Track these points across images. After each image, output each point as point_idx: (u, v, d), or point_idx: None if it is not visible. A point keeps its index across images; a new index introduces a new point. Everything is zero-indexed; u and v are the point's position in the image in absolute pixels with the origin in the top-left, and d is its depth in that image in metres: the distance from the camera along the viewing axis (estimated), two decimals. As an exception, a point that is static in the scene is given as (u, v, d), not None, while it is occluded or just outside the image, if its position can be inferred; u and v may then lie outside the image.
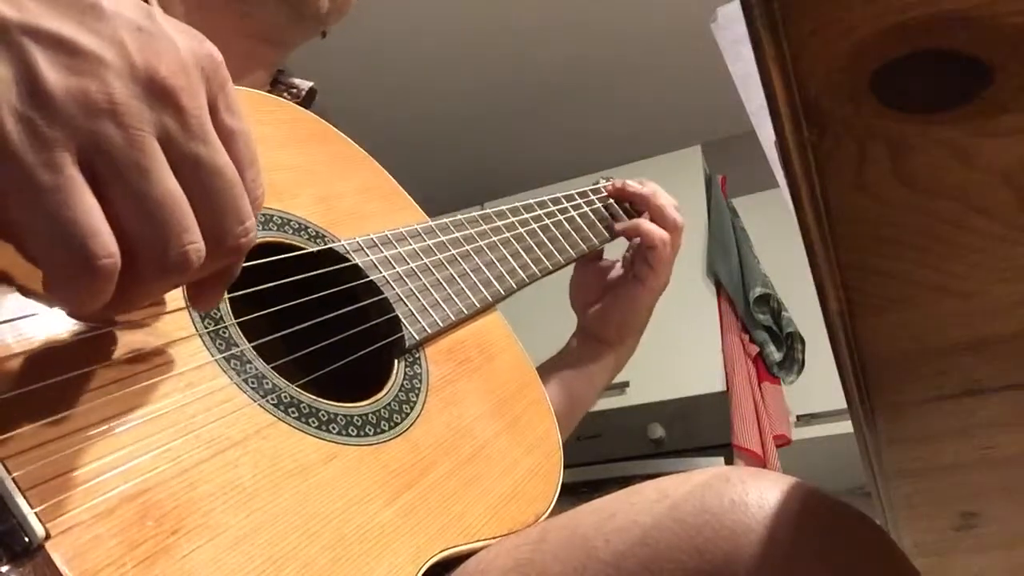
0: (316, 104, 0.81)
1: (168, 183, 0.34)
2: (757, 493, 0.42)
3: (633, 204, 0.93)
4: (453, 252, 0.69)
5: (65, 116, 0.31)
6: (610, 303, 0.89)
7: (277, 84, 0.81)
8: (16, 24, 0.32)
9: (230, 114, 0.37)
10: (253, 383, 0.47)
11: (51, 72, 0.32)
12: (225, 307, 0.49)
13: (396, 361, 0.58)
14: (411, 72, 2.75)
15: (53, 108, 0.31)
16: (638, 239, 0.89)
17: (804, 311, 2.26)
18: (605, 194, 0.93)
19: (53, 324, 0.39)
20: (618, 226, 0.89)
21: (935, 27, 0.25)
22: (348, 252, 0.60)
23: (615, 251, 0.92)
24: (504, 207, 0.80)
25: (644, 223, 0.88)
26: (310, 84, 0.82)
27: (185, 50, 0.35)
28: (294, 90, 0.81)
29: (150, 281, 0.35)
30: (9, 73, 0.31)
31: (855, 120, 0.29)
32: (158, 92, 0.34)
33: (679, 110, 2.95)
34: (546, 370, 0.85)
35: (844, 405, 0.45)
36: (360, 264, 0.60)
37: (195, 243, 0.34)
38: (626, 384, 2.34)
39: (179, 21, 0.37)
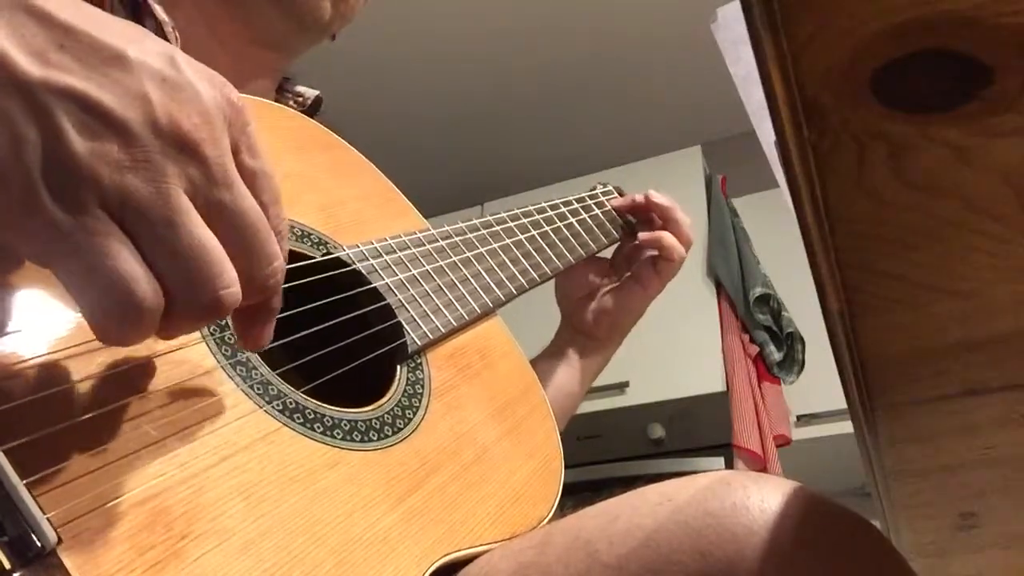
0: (322, 112, 0.82)
1: (197, 232, 0.34)
2: (759, 497, 0.42)
3: (644, 213, 0.93)
4: (454, 258, 0.69)
5: (92, 178, 0.32)
6: (606, 303, 0.90)
7: (283, 92, 0.81)
8: (39, 82, 0.32)
9: (251, 156, 0.38)
10: (259, 389, 0.47)
11: (76, 136, 0.32)
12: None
13: (399, 367, 0.58)
14: (410, 72, 2.75)
15: (79, 171, 0.32)
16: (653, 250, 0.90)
17: (804, 311, 2.26)
18: (603, 199, 0.94)
19: (59, 333, 0.39)
20: (641, 236, 0.90)
21: (935, 27, 0.25)
22: (351, 259, 0.60)
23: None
24: (504, 213, 0.80)
25: (668, 237, 0.89)
26: (316, 92, 0.82)
27: (208, 98, 0.36)
28: (300, 98, 0.82)
29: (186, 323, 0.36)
30: (37, 137, 0.32)
31: (855, 120, 0.29)
32: (182, 144, 0.34)
33: (679, 110, 2.95)
34: (536, 366, 0.86)
35: (844, 405, 0.45)
36: (362, 270, 0.60)
37: (228, 287, 0.35)
38: (626, 384, 2.34)
39: (201, 64, 0.37)
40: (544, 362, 0.88)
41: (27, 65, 0.32)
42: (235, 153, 0.37)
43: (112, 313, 0.33)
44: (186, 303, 0.35)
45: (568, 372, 0.88)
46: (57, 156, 0.32)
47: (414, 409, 0.56)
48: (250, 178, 0.38)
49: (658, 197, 0.92)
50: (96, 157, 0.32)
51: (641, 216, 0.94)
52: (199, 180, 0.35)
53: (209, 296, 0.35)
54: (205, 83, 0.36)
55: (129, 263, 0.33)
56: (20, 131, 0.31)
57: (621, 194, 0.98)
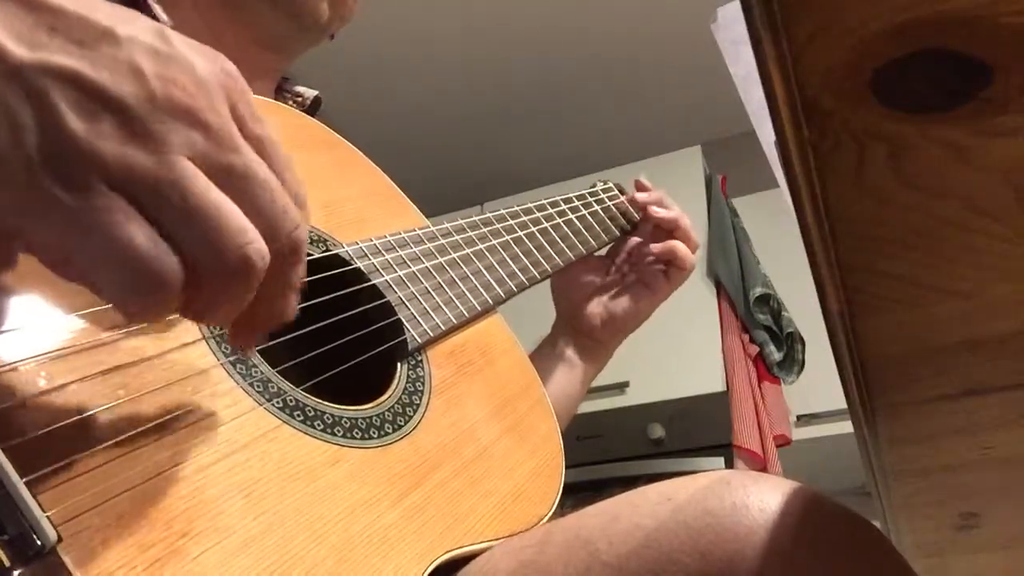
0: (321, 112, 0.82)
1: (209, 194, 0.34)
2: (758, 497, 0.42)
3: (657, 225, 0.93)
4: (454, 255, 0.69)
5: (93, 156, 0.32)
6: (612, 307, 0.90)
7: (282, 92, 0.82)
8: (30, 64, 0.31)
9: (256, 122, 0.37)
10: (259, 387, 0.47)
11: (72, 116, 0.32)
12: None
13: (399, 364, 0.58)
14: (410, 72, 2.75)
15: (80, 152, 0.32)
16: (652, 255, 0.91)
17: (804, 311, 2.26)
18: (603, 197, 0.94)
19: (59, 332, 0.39)
20: (654, 247, 0.90)
21: (935, 27, 0.25)
22: (351, 256, 0.60)
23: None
24: (504, 211, 0.80)
25: (681, 247, 0.90)
26: (315, 92, 0.82)
27: (202, 69, 0.35)
28: (299, 98, 0.82)
29: (219, 290, 0.35)
30: (34, 121, 0.31)
31: (855, 120, 0.29)
32: (180, 114, 0.34)
33: (679, 110, 2.95)
34: (534, 366, 0.86)
35: (844, 405, 0.45)
36: (363, 268, 0.60)
37: (252, 242, 0.34)
38: (626, 384, 2.34)
39: (191, 39, 0.37)
40: (542, 363, 0.88)
41: (17, 49, 0.31)
42: (239, 121, 0.36)
43: (133, 286, 0.32)
44: (212, 268, 0.34)
45: (569, 374, 0.88)
46: (56, 139, 0.31)
47: (414, 406, 0.56)
48: (258, 144, 0.37)
49: (660, 212, 0.92)
50: (95, 135, 0.32)
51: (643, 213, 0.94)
52: (204, 147, 0.34)
53: (235, 254, 0.34)
54: (197, 54, 0.36)
55: (143, 233, 0.32)
56: (16, 116, 0.31)
57: (622, 191, 0.98)
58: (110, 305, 0.34)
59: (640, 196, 0.94)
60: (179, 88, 0.34)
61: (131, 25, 0.34)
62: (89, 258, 0.32)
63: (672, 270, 0.90)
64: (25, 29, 0.32)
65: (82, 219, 0.32)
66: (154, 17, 0.65)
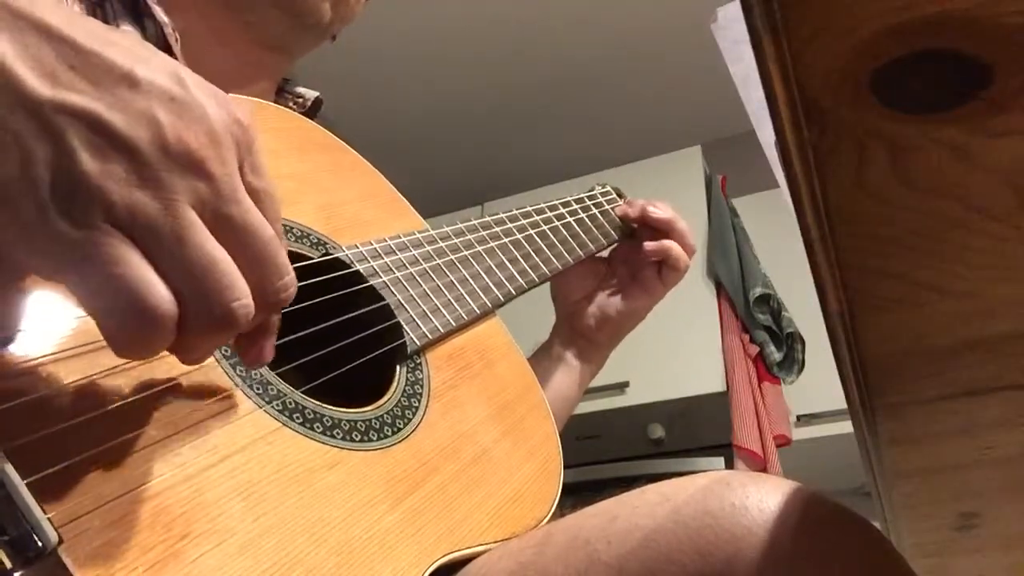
0: (322, 114, 0.82)
1: (206, 246, 0.35)
2: (757, 497, 0.42)
3: (653, 227, 0.92)
4: (453, 258, 0.69)
5: (101, 195, 0.32)
6: (608, 308, 0.90)
7: (283, 93, 0.82)
8: (48, 101, 0.32)
9: (256, 175, 0.38)
10: (258, 389, 0.47)
11: (85, 155, 0.32)
12: None
13: (398, 367, 0.58)
14: (411, 72, 2.75)
15: (89, 189, 0.32)
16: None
17: (804, 311, 2.26)
18: (602, 200, 0.94)
19: (61, 334, 0.39)
20: (648, 246, 0.89)
21: (935, 27, 0.25)
22: (350, 260, 0.60)
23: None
24: (503, 214, 0.80)
25: (675, 248, 0.89)
26: (315, 94, 0.82)
27: (215, 118, 0.36)
28: (300, 100, 0.82)
29: (200, 337, 0.36)
30: (47, 156, 0.32)
31: (855, 120, 0.29)
32: (189, 163, 0.35)
33: (679, 110, 2.95)
34: (533, 368, 0.86)
35: (844, 405, 0.45)
36: (362, 271, 0.60)
37: (239, 300, 0.35)
38: (626, 384, 2.34)
39: (207, 82, 0.37)
40: (541, 365, 0.88)
41: (37, 85, 0.32)
42: (240, 171, 0.37)
43: (127, 320, 0.33)
44: (198, 317, 0.35)
45: (567, 377, 0.88)
46: (67, 175, 0.32)
47: (413, 409, 0.56)
48: (253, 195, 0.38)
49: (656, 212, 0.91)
50: (105, 175, 0.33)
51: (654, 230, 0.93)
52: (207, 197, 0.35)
53: (222, 309, 0.35)
54: (212, 102, 0.36)
55: (141, 269, 0.33)
56: (30, 151, 0.32)
57: (620, 195, 0.98)
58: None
59: (637, 200, 0.94)
60: (191, 137, 0.35)
61: (149, 66, 0.35)
62: (86, 291, 0.33)
63: (666, 270, 0.89)
64: (46, 64, 0.33)
65: (82, 252, 0.32)
66: (155, 18, 0.65)
